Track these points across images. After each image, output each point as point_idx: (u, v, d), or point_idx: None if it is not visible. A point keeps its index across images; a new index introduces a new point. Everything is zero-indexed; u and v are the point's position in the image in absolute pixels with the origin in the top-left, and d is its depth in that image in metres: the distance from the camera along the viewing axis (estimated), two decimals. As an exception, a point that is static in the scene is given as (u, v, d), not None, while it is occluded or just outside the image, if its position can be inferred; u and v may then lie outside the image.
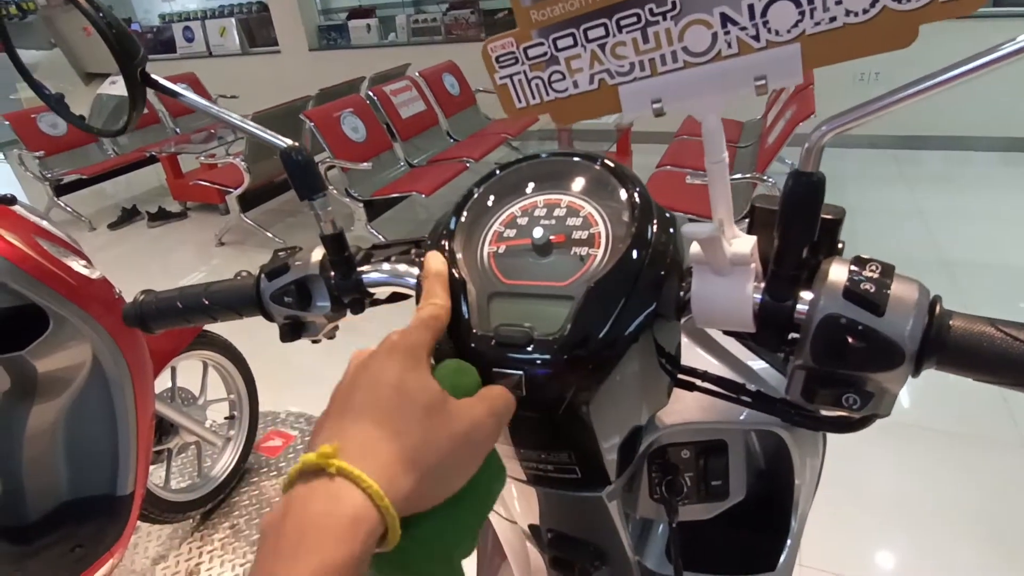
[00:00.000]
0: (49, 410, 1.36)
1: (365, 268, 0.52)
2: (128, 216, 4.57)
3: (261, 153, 3.76)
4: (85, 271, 1.31)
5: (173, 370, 1.76)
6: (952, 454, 1.90)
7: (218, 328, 1.81)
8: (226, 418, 1.96)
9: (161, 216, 4.52)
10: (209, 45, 6.77)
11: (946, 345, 0.35)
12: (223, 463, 1.93)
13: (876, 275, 0.36)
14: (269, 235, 3.94)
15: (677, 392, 0.49)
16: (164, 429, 1.72)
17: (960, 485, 1.78)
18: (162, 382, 1.62)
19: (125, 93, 0.49)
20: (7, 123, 4.39)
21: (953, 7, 0.31)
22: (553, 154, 0.49)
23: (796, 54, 0.34)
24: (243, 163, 3.68)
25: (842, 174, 4.22)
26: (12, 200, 1.21)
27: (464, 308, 0.41)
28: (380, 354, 0.36)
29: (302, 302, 0.51)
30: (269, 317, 0.53)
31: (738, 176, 2.70)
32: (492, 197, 0.48)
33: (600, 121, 3.26)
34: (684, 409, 0.54)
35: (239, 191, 3.77)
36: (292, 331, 0.53)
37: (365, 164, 3.32)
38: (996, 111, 4.11)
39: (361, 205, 3.40)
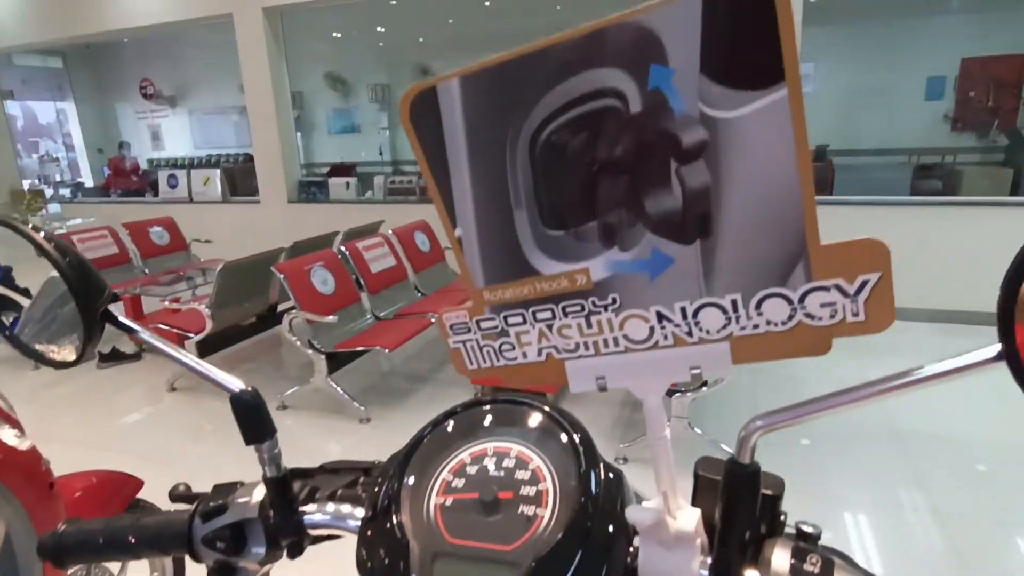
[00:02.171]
0: (-63, 602, 1.20)
1: (309, 508, 0.50)
2: (77, 356, 4.40)
3: (228, 298, 3.77)
4: (14, 441, 1.23)
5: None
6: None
7: (160, 501, 1.68)
8: (144, 605, 1.74)
9: (113, 357, 4.37)
10: (191, 192, 7.04)
11: None
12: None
13: (816, 570, 0.36)
14: (224, 383, 3.81)
15: None
16: (69, 620, 1.51)
17: None
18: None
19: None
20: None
21: (863, 327, 0.35)
22: (505, 400, 0.50)
23: (726, 351, 0.37)
24: (207, 309, 3.66)
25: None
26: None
27: (406, 571, 0.40)
28: None
29: (236, 546, 0.48)
30: (198, 559, 0.50)
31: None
32: (444, 437, 0.48)
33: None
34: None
35: (199, 336, 3.71)
36: None
37: (331, 317, 3.34)
38: (930, 284, 4.46)
39: (323, 357, 3.36)
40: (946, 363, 0.34)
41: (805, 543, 0.39)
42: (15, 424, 1.27)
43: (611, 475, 0.44)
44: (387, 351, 3.29)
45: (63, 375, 4.22)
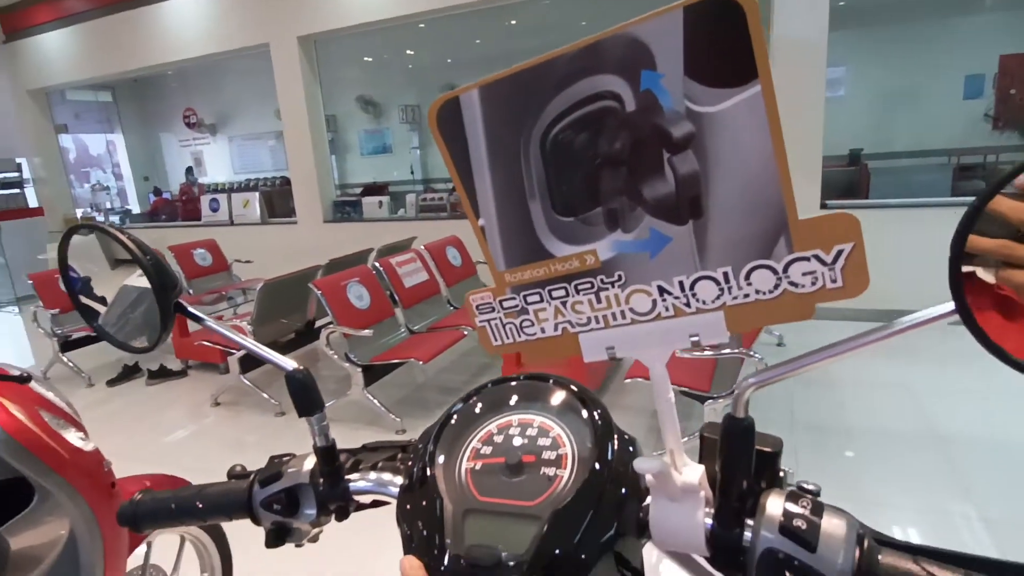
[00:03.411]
0: (12, 593, 1.29)
1: (353, 476, 0.55)
2: (128, 373, 4.60)
3: (268, 315, 3.91)
4: (80, 443, 1.33)
5: (149, 545, 1.69)
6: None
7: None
8: (195, 601, 1.83)
9: (161, 374, 4.56)
10: (232, 215, 7.31)
11: None
12: (184, 655, 1.76)
13: (808, 511, 0.40)
14: (265, 396, 3.94)
15: None
16: (127, 614, 1.60)
17: None
18: (134, 558, 1.55)
19: (148, 286, 0.56)
20: (31, 282, 4.61)
21: (841, 292, 0.39)
22: (529, 376, 0.55)
23: (721, 319, 0.42)
24: (248, 325, 3.81)
25: (827, 343, 4.33)
26: (28, 379, 1.27)
27: (440, 526, 0.45)
28: None
29: (291, 509, 0.54)
30: (257, 522, 0.56)
31: (727, 352, 2.79)
32: (473, 413, 0.53)
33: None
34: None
35: (241, 353, 3.85)
36: (277, 537, 0.55)
37: (367, 331, 3.43)
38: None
39: (360, 370, 3.46)
40: (910, 318, 0.38)
41: (802, 495, 0.43)
42: (80, 427, 1.37)
43: (626, 441, 0.49)
44: (421, 363, 3.36)
45: (115, 393, 4.42)
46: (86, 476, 1.30)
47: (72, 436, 1.32)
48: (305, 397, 0.54)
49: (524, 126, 0.41)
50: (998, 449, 2.84)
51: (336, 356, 3.48)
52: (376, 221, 6.58)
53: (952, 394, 3.42)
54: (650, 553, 0.53)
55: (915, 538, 2.21)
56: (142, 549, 1.67)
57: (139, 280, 0.61)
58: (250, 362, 4.12)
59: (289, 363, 0.54)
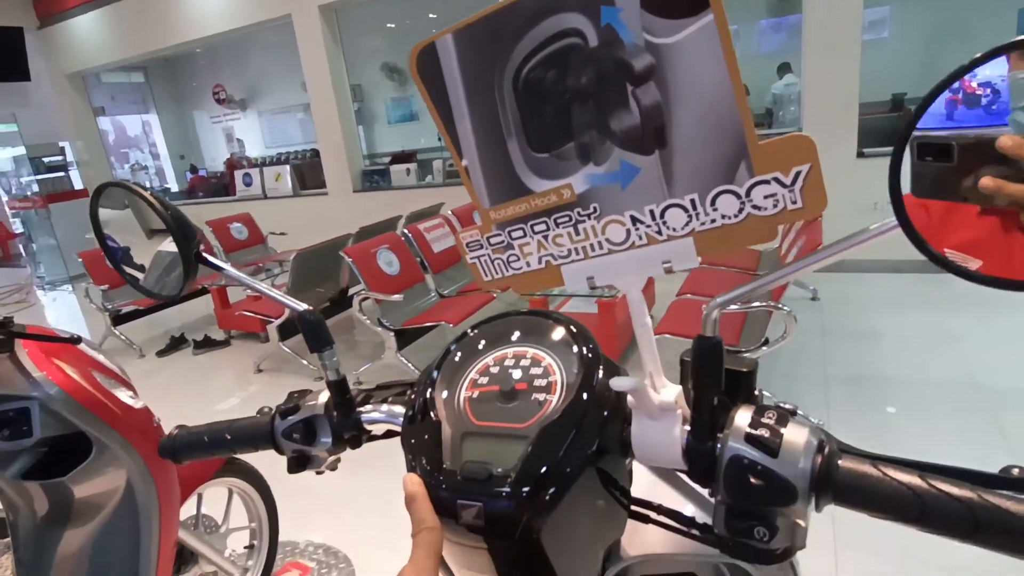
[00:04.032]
0: (80, 535, 1.42)
1: (364, 408, 0.60)
2: (175, 344, 4.83)
3: (303, 284, 4.03)
4: (131, 401, 1.43)
5: (199, 497, 1.82)
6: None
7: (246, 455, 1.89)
8: (245, 547, 1.97)
9: (206, 344, 4.77)
10: (265, 189, 7.47)
11: (835, 484, 0.41)
12: (238, 596, 1.91)
13: (772, 421, 0.43)
14: (304, 362, 4.10)
15: (647, 525, 0.54)
16: (184, 558, 1.74)
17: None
18: (187, 509, 1.67)
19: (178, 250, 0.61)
20: (80, 260, 4.84)
21: (801, 213, 0.41)
22: (525, 313, 0.59)
23: (691, 245, 0.44)
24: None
25: (864, 298, 4.25)
26: (78, 340, 1.37)
27: (439, 446, 0.49)
28: None
29: (308, 438, 0.59)
30: (280, 451, 0.62)
31: (756, 305, 2.77)
32: (472, 348, 0.57)
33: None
34: (652, 541, 0.58)
35: (279, 321, 4.00)
36: (298, 463, 0.61)
37: (397, 296, 3.52)
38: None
39: (392, 334, 3.56)
40: (860, 234, 0.39)
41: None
42: (130, 387, 1.47)
43: (613, 369, 0.52)
44: (452, 326, 3.44)
45: (165, 363, 4.65)
46: (138, 431, 1.40)
47: (123, 395, 1.42)
48: (316, 335, 0.59)
49: (497, 67, 0.44)
50: (1039, 397, 2.78)
51: (369, 321, 3.58)
52: (404, 189, 6.64)
53: (995, 344, 3.33)
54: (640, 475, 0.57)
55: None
56: (194, 500, 1.80)
57: (168, 245, 0.66)
58: (289, 330, 4.27)
59: (300, 305, 0.59)
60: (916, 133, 0.35)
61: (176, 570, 1.70)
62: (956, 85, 0.41)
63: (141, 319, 5.06)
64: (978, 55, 0.33)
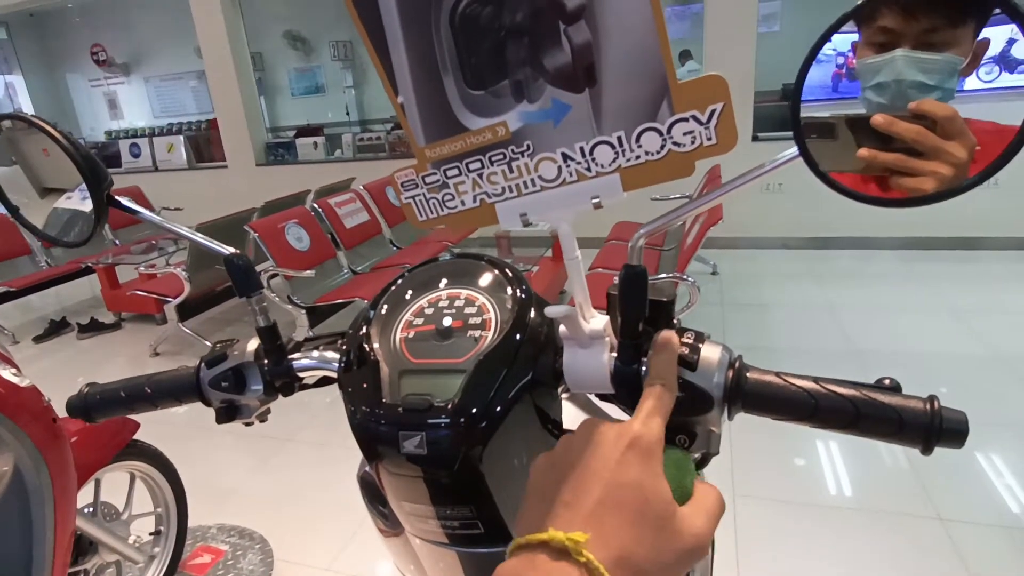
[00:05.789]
0: (-41, 527, 1.29)
1: (296, 355, 0.60)
2: (56, 328, 4.42)
3: (202, 263, 3.80)
4: (15, 379, 1.31)
5: (97, 483, 1.70)
6: (869, 531, 2.00)
7: (149, 438, 1.78)
8: (151, 534, 1.86)
9: (93, 327, 4.40)
10: (156, 160, 6.92)
11: (744, 392, 0.46)
12: (144, 584, 1.81)
13: (691, 341, 0.47)
14: (207, 344, 3.87)
15: None
16: (82, 548, 1.62)
17: (878, 559, 1.86)
18: (83, 497, 1.56)
19: (79, 208, 0.57)
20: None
21: (715, 149, 0.45)
22: (457, 255, 0.60)
23: (617, 181, 0.47)
24: (184, 273, 3.70)
25: (758, 272, 4.59)
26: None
27: (378, 385, 0.50)
28: (620, 445, 0.36)
29: (238, 387, 0.58)
30: (207, 402, 0.60)
31: (662, 276, 2.93)
32: (406, 292, 0.58)
33: (537, 228, 3.54)
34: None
35: (178, 300, 3.75)
36: (227, 414, 0.59)
37: (308, 272, 3.40)
38: (892, 214, 4.64)
39: (304, 311, 3.44)
40: (764, 166, 0.44)
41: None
42: (12, 364, 1.34)
43: (545, 304, 0.55)
44: (366, 302, 3.37)
45: (44, 350, 4.25)
46: (25, 411, 1.29)
47: (6, 372, 1.30)
48: (244, 279, 0.57)
49: (434, 1, 0.44)
50: (906, 358, 3.14)
51: (278, 299, 3.44)
52: (312, 163, 6.37)
53: (868, 313, 3.71)
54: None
55: (839, 459, 2.41)
56: (91, 487, 1.68)
57: (66, 202, 0.62)
58: (188, 310, 4.02)
59: (226, 248, 0.57)
60: (803, 115, 0.42)
61: (74, 560, 1.58)
62: (842, 61, 0.49)
63: (10, 303, 4.58)
64: (832, 22, 0.41)
